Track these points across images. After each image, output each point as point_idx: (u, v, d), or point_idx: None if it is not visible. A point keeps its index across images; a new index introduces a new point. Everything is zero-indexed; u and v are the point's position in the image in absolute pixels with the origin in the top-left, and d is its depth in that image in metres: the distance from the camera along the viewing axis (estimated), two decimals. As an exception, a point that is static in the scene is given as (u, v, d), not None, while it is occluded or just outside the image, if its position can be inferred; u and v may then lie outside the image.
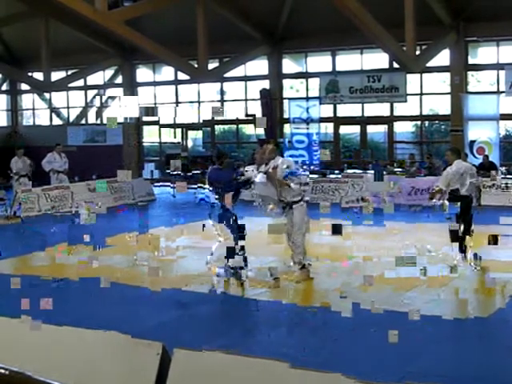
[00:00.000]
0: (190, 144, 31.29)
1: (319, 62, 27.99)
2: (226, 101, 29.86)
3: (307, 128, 27.19)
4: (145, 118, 31.34)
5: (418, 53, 22.88)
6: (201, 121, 30.07)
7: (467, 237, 13.62)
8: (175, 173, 27.12)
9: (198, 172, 27.45)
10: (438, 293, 10.84)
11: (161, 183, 28.90)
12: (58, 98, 33.90)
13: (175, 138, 30.95)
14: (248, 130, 30.11)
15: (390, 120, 26.74)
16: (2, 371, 2.43)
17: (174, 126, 31.04)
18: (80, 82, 31.84)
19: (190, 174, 27.49)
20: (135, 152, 31.58)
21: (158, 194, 25.72)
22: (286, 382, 3.80)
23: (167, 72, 30.57)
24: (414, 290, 10.81)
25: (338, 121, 27.82)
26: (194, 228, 18.33)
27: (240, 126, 30.14)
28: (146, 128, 32.39)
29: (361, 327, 9.18)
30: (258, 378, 3.89)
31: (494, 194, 21.21)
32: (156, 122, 31.25)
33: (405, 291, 10.78)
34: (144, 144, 32.53)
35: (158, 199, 25.09)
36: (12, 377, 2.44)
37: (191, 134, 31.25)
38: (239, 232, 11.95)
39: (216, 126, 30.60)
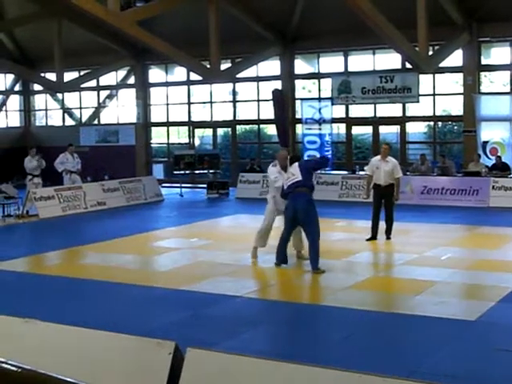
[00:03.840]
0: (197, 142, 31.41)
1: (331, 63, 27.95)
2: (238, 101, 29.89)
3: (319, 129, 27.16)
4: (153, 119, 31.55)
5: (430, 53, 22.82)
6: (212, 120, 30.14)
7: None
8: (182, 172, 27.30)
9: (205, 171, 27.53)
10: (447, 295, 10.81)
11: (169, 184, 29.05)
12: (71, 99, 33.98)
13: (189, 138, 31.01)
14: (270, 130, 30.12)
15: (402, 120, 26.65)
16: (14, 369, 2.44)
17: (184, 124, 31.14)
18: (92, 83, 31.89)
19: (197, 172, 27.58)
20: (144, 153, 31.66)
21: (166, 194, 25.80)
22: (298, 382, 3.80)
23: (179, 72, 30.60)
24: (424, 292, 10.77)
25: (350, 121, 27.76)
26: (205, 227, 18.44)
27: (262, 126, 30.16)
28: (154, 129, 32.46)
29: (367, 328, 9.19)
30: (272, 379, 3.89)
31: (505, 196, 21.14)
32: (165, 123, 31.43)
33: (414, 293, 10.75)
34: (152, 145, 32.58)
35: (166, 199, 25.13)
36: (24, 374, 2.45)
37: (198, 132, 31.35)
38: None
39: (237, 126, 30.61)
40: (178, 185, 27.61)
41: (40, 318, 4.78)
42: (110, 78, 32.23)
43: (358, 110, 27.75)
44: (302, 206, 12.45)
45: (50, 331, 4.74)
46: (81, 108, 33.89)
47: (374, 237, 15.50)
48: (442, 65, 23.65)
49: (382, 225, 15.59)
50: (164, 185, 28.22)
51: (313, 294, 11.54)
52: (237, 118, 29.93)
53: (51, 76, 29.66)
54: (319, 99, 27.77)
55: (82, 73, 31.72)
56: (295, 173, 12.66)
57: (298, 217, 12.49)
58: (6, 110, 35.39)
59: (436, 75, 25.33)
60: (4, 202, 20.79)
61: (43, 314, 5.81)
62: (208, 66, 24.60)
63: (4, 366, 2.43)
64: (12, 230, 19.25)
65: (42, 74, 31.21)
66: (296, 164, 12.93)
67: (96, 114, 33.50)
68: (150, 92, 31.82)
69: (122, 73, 32.37)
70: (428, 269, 12.57)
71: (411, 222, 18.33)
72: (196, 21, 25.39)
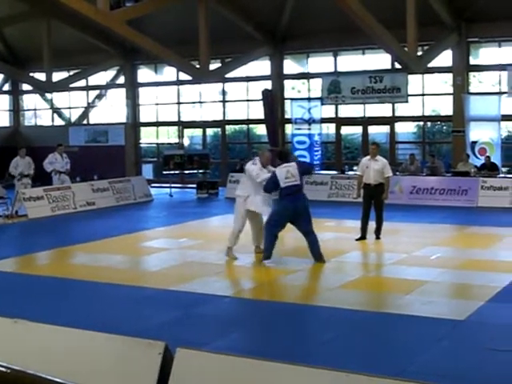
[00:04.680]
0: (186, 142, 31.41)
1: (321, 63, 27.97)
2: (227, 101, 29.89)
3: (309, 129, 27.18)
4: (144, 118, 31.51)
5: (419, 53, 22.88)
6: (202, 120, 30.16)
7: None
8: (171, 172, 27.31)
9: (194, 171, 27.53)
10: (436, 294, 10.84)
11: (158, 184, 29.02)
12: (60, 99, 33.91)
13: (178, 138, 31.02)
14: (259, 130, 30.12)
15: (391, 121, 26.70)
16: (3, 369, 2.44)
17: (174, 124, 31.16)
18: (82, 83, 31.84)
19: (186, 172, 27.57)
20: (134, 153, 31.64)
21: (155, 194, 25.82)
22: (286, 381, 3.81)
23: (169, 72, 30.58)
24: (413, 292, 10.78)
25: (339, 121, 27.80)
26: (194, 227, 18.43)
27: (251, 126, 30.16)
28: (143, 129, 32.43)
29: (357, 327, 9.20)
30: (262, 380, 3.89)
31: (494, 196, 21.21)
32: (154, 123, 31.46)
33: (403, 293, 10.76)
34: (141, 145, 32.54)
35: (155, 200, 25.12)
36: (13, 374, 2.45)
37: (187, 132, 31.38)
38: None
39: (227, 126, 30.59)
40: (168, 185, 27.58)
41: (29, 318, 4.78)
42: (99, 78, 32.18)
43: (348, 110, 27.78)
44: (303, 207, 13.12)
45: (40, 332, 4.73)
46: (70, 108, 33.83)
47: (363, 237, 15.54)
48: (431, 65, 23.71)
49: (371, 225, 15.63)
50: (153, 185, 28.20)
51: (302, 293, 11.54)
52: (226, 118, 29.95)
53: (40, 76, 29.60)
54: (309, 99, 27.80)
55: (72, 72, 31.68)
56: (294, 175, 13.11)
57: (297, 217, 13.04)
58: (-5, 110, 35.34)
59: (425, 75, 25.40)
60: (-7, 202, 20.75)
61: (32, 314, 5.80)
62: (197, 66, 24.60)
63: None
64: (1, 231, 19.17)
65: (32, 74, 31.12)
66: (294, 165, 13.42)
67: (85, 113, 33.43)
68: (139, 92, 31.81)
69: (111, 73, 32.33)
70: (417, 268, 12.60)
71: (400, 221, 18.37)
72: (185, 20, 25.38)
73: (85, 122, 33.44)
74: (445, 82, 25.99)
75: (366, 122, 27.14)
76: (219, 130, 30.62)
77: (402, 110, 26.65)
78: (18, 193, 20.89)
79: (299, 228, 13.23)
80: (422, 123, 26.97)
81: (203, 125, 30.41)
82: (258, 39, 27.14)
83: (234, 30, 26.20)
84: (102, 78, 32.30)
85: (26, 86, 34.05)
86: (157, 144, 31.96)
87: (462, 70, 24.66)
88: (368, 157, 15.99)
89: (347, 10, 19.53)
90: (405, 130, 27.83)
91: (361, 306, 10.20)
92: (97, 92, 33.19)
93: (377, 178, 15.52)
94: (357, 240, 15.47)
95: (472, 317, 9.27)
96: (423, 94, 25.90)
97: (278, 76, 28.03)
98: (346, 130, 28.59)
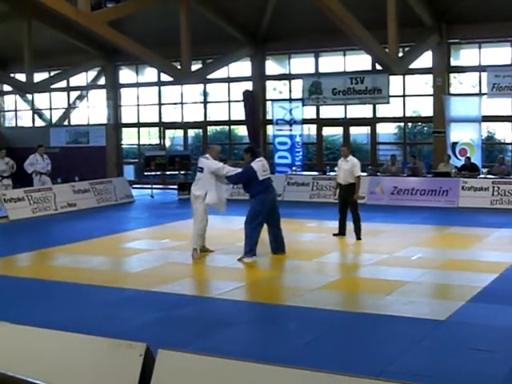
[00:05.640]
0: (168, 143, 31.34)
1: (302, 64, 27.99)
2: (209, 102, 29.87)
3: (290, 130, 27.21)
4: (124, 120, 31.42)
5: (400, 54, 22.93)
6: (183, 121, 30.12)
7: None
8: (153, 173, 27.26)
9: (176, 172, 27.49)
10: (417, 295, 10.87)
11: (140, 185, 28.93)
12: (41, 99, 33.76)
13: (159, 139, 30.96)
14: (240, 131, 30.12)
15: (372, 121, 26.76)
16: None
17: (155, 125, 31.09)
18: (63, 83, 31.71)
19: (167, 173, 27.54)
20: (115, 154, 31.54)
21: (137, 195, 25.77)
22: (268, 382, 3.81)
23: (150, 73, 30.53)
24: (394, 292, 10.82)
25: (320, 122, 27.83)
26: (176, 228, 18.39)
27: (232, 127, 30.16)
28: (124, 130, 32.35)
29: (338, 328, 9.22)
30: (244, 381, 3.89)
31: (474, 197, 21.32)
32: (136, 124, 31.38)
33: (384, 293, 10.79)
34: (123, 146, 32.45)
35: (136, 201, 25.06)
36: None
37: (169, 133, 31.33)
38: None
39: (208, 127, 30.57)
40: (149, 186, 27.54)
41: (10, 320, 4.75)
42: (80, 79, 32.07)
43: (329, 111, 27.83)
44: (276, 199, 14.18)
45: (20, 333, 4.71)
46: (51, 109, 33.65)
47: (341, 233, 15.83)
48: (411, 66, 23.77)
49: (351, 225, 15.77)
50: (135, 186, 28.13)
51: (284, 294, 11.55)
52: (208, 119, 29.94)
53: (21, 76, 29.45)
54: (290, 100, 27.82)
55: (52, 73, 31.54)
56: (268, 168, 14.06)
57: (274, 209, 13.76)
58: (-25, 111, 35.14)
59: (406, 76, 25.47)
60: (-27, 203, 20.62)
61: (13, 315, 5.78)
62: (179, 67, 24.56)
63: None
64: (-19, 232, 19.09)
65: (12, 75, 30.96)
66: (264, 160, 14.08)
67: (66, 114, 33.29)
68: (120, 93, 31.73)
69: (92, 73, 32.22)
70: (398, 269, 12.65)
71: (381, 222, 18.43)
72: (167, 22, 25.32)
73: (66, 122, 33.29)
74: (425, 83, 26.08)
75: (347, 122, 27.20)
76: (200, 131, 30.60)
77: (382, 110, 26.71)
78: (-1, 194, 20.80)
79: (273, 220, 13.76)
80: (402, 124, 27.05)
81: (184, 126, 30.38)
82: (240, 40, 27.13)
83: (215, 31, 26.17)
84: (83, 78, 32.20)
85: (6, 87, 33.87)
86: (138, 145, 31.88)
87: (442, 71, 24.76)
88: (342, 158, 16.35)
89: (327, 10, 19.54)
90: (386, 130, 27.90)
91: (342, 307, 10.23)
92: (78, 93, 33.07)
93: (347, 179, 15.85)
94: (334, 235, 15.75)
95: (453, 317, 9.32)
96: (404, 95, 25.97)
97: (259, 77, 28.03)
98: (327, 131, 28.63)
